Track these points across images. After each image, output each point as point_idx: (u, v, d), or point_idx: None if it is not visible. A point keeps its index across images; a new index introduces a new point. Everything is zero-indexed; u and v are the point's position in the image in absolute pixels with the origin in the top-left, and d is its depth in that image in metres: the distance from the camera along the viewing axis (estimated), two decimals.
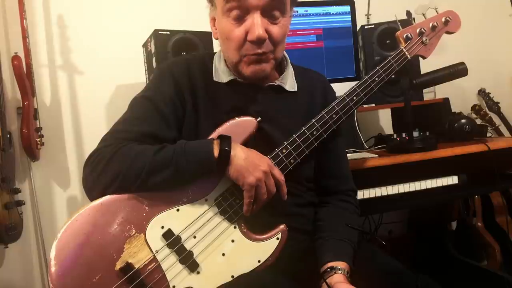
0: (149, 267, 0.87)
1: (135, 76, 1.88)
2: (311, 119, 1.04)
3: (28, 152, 1.78)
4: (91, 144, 1.82)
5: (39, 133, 1.80)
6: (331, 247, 1.00)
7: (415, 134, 1.49)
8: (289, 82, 1.10)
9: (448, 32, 1.25)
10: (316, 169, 1.11)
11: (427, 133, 1.54)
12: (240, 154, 0.90)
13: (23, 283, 1.83)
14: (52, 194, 1.90)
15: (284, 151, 0.98)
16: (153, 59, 1.61)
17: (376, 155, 1.47)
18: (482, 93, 2.34)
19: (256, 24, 0.94)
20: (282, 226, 0.95)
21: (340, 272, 0.93)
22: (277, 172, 0.93)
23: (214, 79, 1.06)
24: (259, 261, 0.92)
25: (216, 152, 0.89)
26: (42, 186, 1.88)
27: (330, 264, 0.95)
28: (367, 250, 1.07)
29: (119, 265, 0.85)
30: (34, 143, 1.76)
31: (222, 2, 0.96)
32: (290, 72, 1.12)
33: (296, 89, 1.10)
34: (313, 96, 1.13)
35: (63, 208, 1.91)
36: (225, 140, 0.91)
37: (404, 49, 1.17)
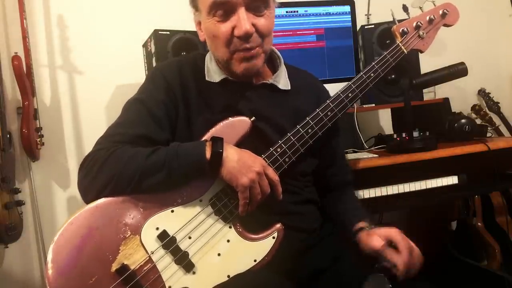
0: (144, 268, 0.87)
1: (135, 76, 1.88)
2: (304, 117, 1.03)
3: (28, 152, 1.78)
4: (91, 144, 1.83)
5: (39, 133, 1.80)
6: (347, 218, 1.08)
7: (415, 134, 1.49)
8: (282, 81, 1.10)
9: (446, 25, 1.23)
10: (315, 167, 1.12)
11: (427, 133, 1.54)
12: (232, 156, 0.90)
13: (23, 283, 1.83)
14: (52, 194, 1.90)
15: (278, 150, 0.98)
16: (153, 59, 1.61)
17: (376, 155, 1.47)
18: (482, 93, 2.34)
19: (242, 19, 0.94)
20: (278, 225, 0.95)
21: (362, 230, 1.01)
22: (271, 172, 0.93)
23: (207, 78, 1.06)
24: (255, 261, 0.92)
25: (208, 154, 0.89)
26: (42, 186, 1.88)
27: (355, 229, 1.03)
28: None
29: (115, 266, 0.86)
30: (34, 143, 1.76)
31: (206, 3, 0.96)
32: (283, 71, 1.12)
33: (289, 88, 1.10)
34: (306, 96, 1.13)
35: (63, 208, 1.91)
36: (217, 142, 0.91)
37: (400, 44, 1.15)
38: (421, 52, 1.21)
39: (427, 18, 1.19)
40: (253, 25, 0.96)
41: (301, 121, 1.02)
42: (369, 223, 1.02)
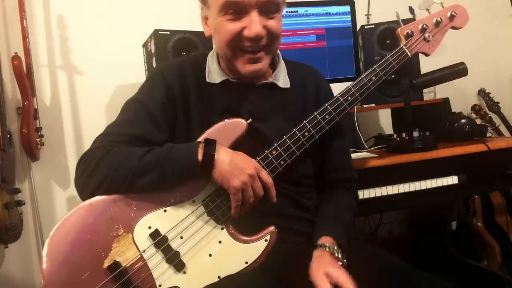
0: (136, 266, 0.89)
1: (135, 76, 1.88)
2: (305, 114, 1.03)
3: (28, 152, 1.78)
4: (91, 144, 1.84)
5: (39, 133, 1.80)
6: (319, 226, 1.02)
7: (415, 134, 1.49)
8: (282, 79, 1.09)
9: (454, 28, 1.19)
10: (314, 164, 1.11)
11: (427, 133, 1.54)
12: (224, 158, 0.90)
13: (23, 283, 1.83)
14: (52, 194, 1.91)
15: (273, 152, 0.97)
16: (153, 59, 1.61)
17: (376, 155, 1.47)
18: (482, 93, 2.33)
19: (255, 21, 0.94)
20: (271, 228, 0.94)
21: (321, 248, 0.95)
22: (264, 174, 0.93)
23: (207, 80, 1.06)
24: (246, 263, 0.92)
25: (200, 156, 0.89)
26: (42, 186, 1.88)
27: (318, 242, 0.97)
28: (371, 249, 1.06)
29: (107, 263, 0.87)
30: (34, 143, 1.76)
31: (218, 1, 0.96)
32: (282, 68, 1.11)
33: (288, 86, 1.10)
34: (306, 92, 1.12)
35: (63, 208, 1.91)
36: (210, 144, 0.91)
37: (404, 47, 1.12)
38: (427, 55, 1.17)
39: (434, 20, 1.15)
40: (265, 27, 0.96)
41: (298, 123, 1.01)
42: (332, 243, 0.96)
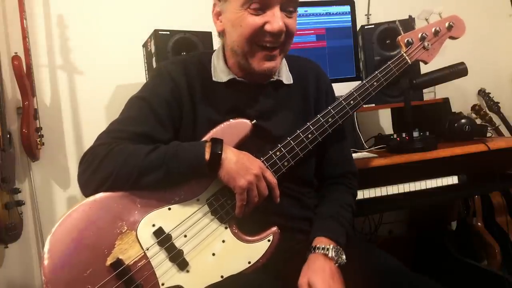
0: (139, 264, 0.89)
1: (135, 76, 1.88)
2: (306, 109, 1.04)
3: (28, 152, 1.78)
4: (91, 144, 1.84)
5: (39, 133, 1.80)
6: (314, 227, 1.02)
7: (415, 134, 1.50)
8: (285, 75, 1.10)
9: (452, 37, 1.23)
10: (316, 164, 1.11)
11: (427, 133, 1.54)
12: (231, 157, 0.91)
13: (23, 283, 1.83)
14: (52, 194, 1.91)
15: (277, 153, 0.98)
16: (153, 59, 1.61)
17: (376, 155, 1.47)
18: (482, 93, 2.34)
19: (277, 16, 0.95)
20: (274, 228, 0.95)
21: (314, 250, 0.96)
22: (269, 174, 0.94)
23: (213, 79, 1.06)
24: (249, 262, 0.92)
25: (207, 155, 0.90)
26: (42, 186, 1.89)
27: (312, 244, 0.98)
28: (368, 249, 1.07)
29: (109, 260, 0.87)
30: (34, 143, 1.76)
31: None
32: (284, 64, 1.12)
33: (291, 81, 1.10)
34: (307, 86, 1.13)
35: (63, 208, 1.91)
36: (217, 143, 0.91)
37: (404, 54, 1.15)
38: (426, 63, 1.20)
39: (433, 30, 1.18)
40: (284, 24, 0.96)
41: (302, 123, 1.02)
42: (326, 242, 0.97)
